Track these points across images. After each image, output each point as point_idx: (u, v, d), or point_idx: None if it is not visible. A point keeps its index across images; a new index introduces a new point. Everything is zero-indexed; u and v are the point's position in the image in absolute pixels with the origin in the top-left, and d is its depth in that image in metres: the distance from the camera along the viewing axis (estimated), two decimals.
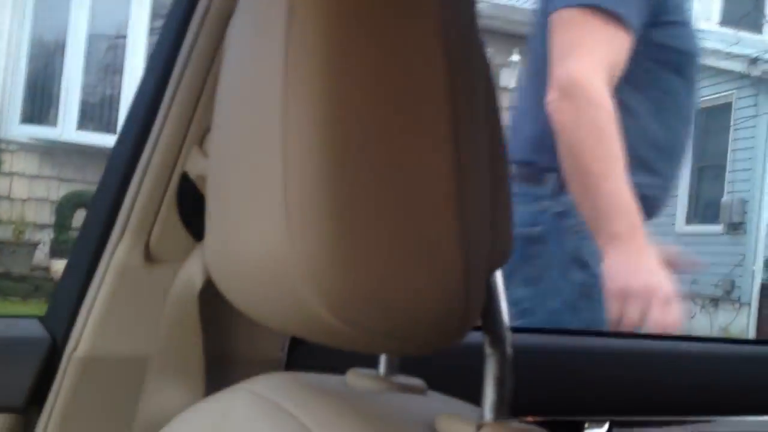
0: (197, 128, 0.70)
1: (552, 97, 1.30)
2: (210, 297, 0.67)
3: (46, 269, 5.93)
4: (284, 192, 0.35)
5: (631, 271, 1.20)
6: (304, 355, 0.78)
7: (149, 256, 0.71)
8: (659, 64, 1.42)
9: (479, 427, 0.40)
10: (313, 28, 0.35)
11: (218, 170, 0.43)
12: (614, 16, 1.29)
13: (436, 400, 0.51)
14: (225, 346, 0.73)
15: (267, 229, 0.36)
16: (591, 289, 1.36)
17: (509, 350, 0.43)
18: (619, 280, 1.20)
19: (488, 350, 0.42)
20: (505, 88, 7.94)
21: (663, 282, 1.20)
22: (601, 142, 1.25)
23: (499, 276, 0.44)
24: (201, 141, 0.70)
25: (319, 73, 0.35)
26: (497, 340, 0.43)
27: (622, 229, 1.22)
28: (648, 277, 1.19)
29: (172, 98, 0.70)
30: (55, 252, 6.09)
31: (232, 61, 0.44)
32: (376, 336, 0.36)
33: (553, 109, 1.30)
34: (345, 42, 0.35)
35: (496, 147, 0.41)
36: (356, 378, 0.52)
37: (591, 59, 1.29)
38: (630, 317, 1.17)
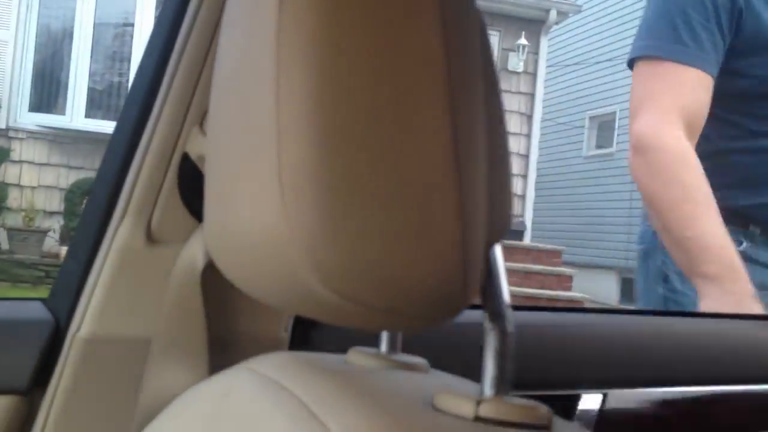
0: (197, 109, 0.70)
1: (629, 155, 1.32)
2: (212, 277, 0.67)
3: (56, 256, 5.97)
4: (279, 168, 0.34)
5: (728, 310, 1.19)
6: (306, 337, 0.78)
7: (151, 238, 0.71)
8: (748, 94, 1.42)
9: (479, 402, 0.40)
10: (306, 4, 0.34)
11: (215, 150, 0.43)
12: (681, 63, 1.31)
13: (437, 378, 0.50)
14: (227, 326, 0.73)
15: (263, 206, 0.36)
16: (669, 304, 1.41)
17: (509, 326, 0.42)
18: None
19: (488, 325, 0.42)
20: (513, 72, 7.91)
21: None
22: (677, 189, 1.26)
23: (498, 251, 0.44)
24: (201, 121, 0.70)
25: (311, 50, 0.34)
26: (497, 316, 0.42)
27: (714, 270, 1.22)
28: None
29: (172, 79, 0.70)
30: (64, 239, 6.13)
31: (227, 41, 0.43)
32: (374, 311, 0.36)
33: (629, 166, 1.33)
34: (338, 18, 0.34)
35: (494, 121, 0.41)
36: (357, 356, 0.52)
37: (660, 110, 1.29)
38: None
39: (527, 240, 7.96)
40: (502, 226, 0.42)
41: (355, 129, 0.34)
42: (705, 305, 1.23)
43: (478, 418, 0.40)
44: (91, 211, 0.75)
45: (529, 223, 8.15)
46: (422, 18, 0.35)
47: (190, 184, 0.71)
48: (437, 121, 0.35)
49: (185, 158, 0.71)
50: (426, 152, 0.35)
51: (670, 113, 1.29)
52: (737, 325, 1.10)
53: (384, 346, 0.54)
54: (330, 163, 0.34)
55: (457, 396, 0.41)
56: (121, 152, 0.72)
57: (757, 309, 1.23)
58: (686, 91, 1.31)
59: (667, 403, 0.95)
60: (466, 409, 0.40)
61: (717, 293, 1.22)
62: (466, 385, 0.47)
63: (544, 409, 0.41)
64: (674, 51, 1.34)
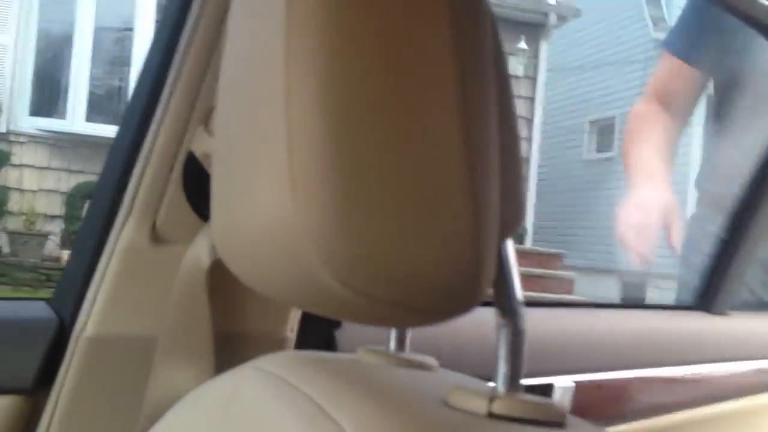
0: (202, 108, 0.69)
1: None
2: (218, 277, 0.67)
3: (57, 259, 5.95)
4: (290, 162, 0.34)
5: (635, 203, 1.43)
6: (314, 340, 0.78)
7: (156, 237, 0.71)
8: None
9: (492, 399, 0.40)
10: (315, 0, 0.34)
11: (223, 147, 0.43)
12: (668, 52, 1.64)
13: (447, 376, 0.50)
14: (234, 326, 0.72)
15: (274, 200, 0.35)
16: None
17: (522, 323, 0.42)
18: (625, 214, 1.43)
19: (500, 322, 0.42)
20: (513, 76, 7.90)
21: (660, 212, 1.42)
22: (630, 138, 1.62)
23: (510, 248, 0.44)
24: (206, 120, 0.70)
25: (321, 45, 0.34)
26: (509, 313, 0.42)
27: (638, 175, 1.49)
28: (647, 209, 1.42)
29: (176, 79, 0.69)
30: (65, 243, 6.12)
31: (234, 38, 0.43)
32: (385, 306, 0.35)
33: None
34: (347, 12, 0.34)
35: (505, 117, 0.40)
36: (366, 355, 0.52)
37: (646, 89, 1.67)
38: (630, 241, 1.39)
39: (528, 244, 7.95)
40: (515, 222, 0.42)
41: (366, 123, 0.34)
42: (626, 204, 1.44)
43: (491, 415, 0.39)
44: (96, 211, 0.74)
45: (530, 227, 8.14)
46: (431, 13, 0.35)
47: (195, 183, 0.71)
48: (449, 114, 0.34)
49: (190, 158, 0.70)
50: (438, 145, 0.34)
51: (649, 92, 1.65)
52: (673, 316, 1.27)
53: (392, 344, 0.53)
54: (341, 156, 0.33)
55: (470, 393, 0.40)
56: (125, 152, 0.72)
57: (668, 198, 1.44)
58: (663, 75, 1.66)
59: (624, 385, 1.05)
60: (480, 406, 0.40)
61: (636, 189, 1.46)
62: (478, 383, 0.47)
63: (557, 406, 0.40)
64: (667, 42, 1.67)
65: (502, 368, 0.41)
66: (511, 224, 0.41)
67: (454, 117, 0.34)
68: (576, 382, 0.98)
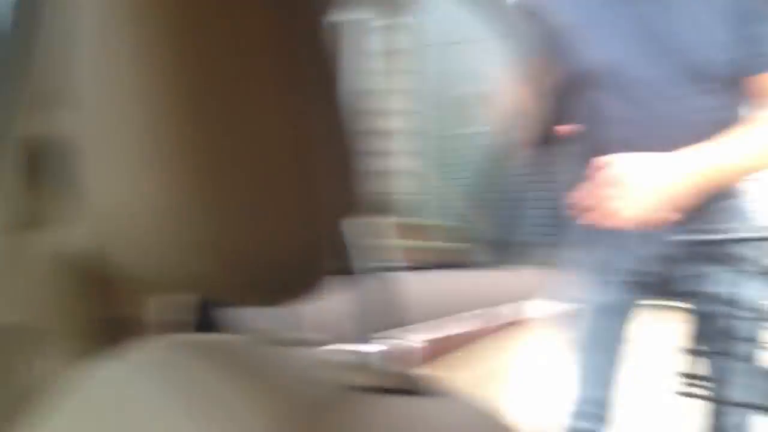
0: (40, 88, 0.67)
1: None
2: (91, 260, 0.65)
3: None
4: (146, 145, 0.35)
5: None
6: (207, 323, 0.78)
7: (11, 223, 0.68)
8: None
9: (351, 371, 0.42)
10: None
11: (85, 130, 0.42)
12: None
13: (320, 352, 0.51)
14: (106, 310, 0.71)
15: (133, 182, 0.36)
16: None
17: (374, 294, 0.44)
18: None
19: (350, 295, 0.44)
20: (393, 50, 7.98)
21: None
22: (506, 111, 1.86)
23: (354, 223, 0.46)
24: (48, 101, 0.67)
25: (164, 32, 0.35)
26: (358, 286, 0.44)
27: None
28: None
29: (18, 56, 0.67)
30: None
31: (84, 16, 0.42)
32: (240, 286, 0.37)
33: None
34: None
35: (330, 95, 0.42)
36: (247, 336, 0.52)
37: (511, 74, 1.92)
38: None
39: (414, 216, 8.09)
40: (355, 197, 0.44)
41: (207, 111, 0.35)
42: None
43: (353, 387, 0.41)
44: None
45: (415, 198, 8.28)
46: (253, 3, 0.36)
47: (40, 167, 0.69)
48: (273, 103, 0.37)
49: (34, 140, 0.68)
50: (266, 135, 0.36)
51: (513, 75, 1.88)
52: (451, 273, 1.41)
53: (271, 324, 0.54)
54: (192, 143, 0.35)
55: (331, 366, 0.42)
56: None
57: None
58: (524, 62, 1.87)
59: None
60: (340, 378, 0.41)
61: None
62: (350, 355, 0.48)
63: (413, 376, 0.43)
64: None
65: (356, 332, 0.44)
66: (352, 199, 0.43)
67: (285, 105, 0.37)
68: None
